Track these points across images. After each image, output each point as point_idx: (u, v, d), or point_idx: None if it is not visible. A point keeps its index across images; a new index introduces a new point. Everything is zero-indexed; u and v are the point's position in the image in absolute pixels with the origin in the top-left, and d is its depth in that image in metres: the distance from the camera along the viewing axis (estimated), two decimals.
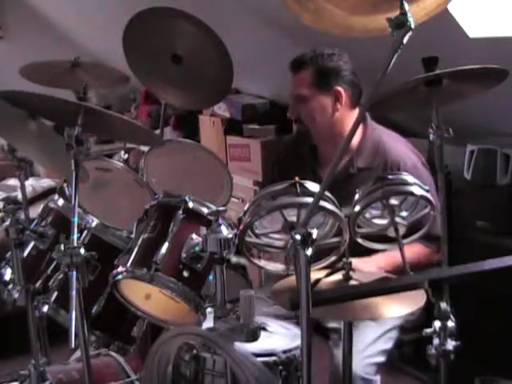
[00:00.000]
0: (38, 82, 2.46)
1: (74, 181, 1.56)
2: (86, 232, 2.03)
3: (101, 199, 2.18)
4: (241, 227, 1.56)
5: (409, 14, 1.25)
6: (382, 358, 2.05)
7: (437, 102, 1.49)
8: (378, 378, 2.03)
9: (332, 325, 2.09)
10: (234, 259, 1.70)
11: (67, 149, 1.58)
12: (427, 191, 1.61)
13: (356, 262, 1.87)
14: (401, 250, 1.60)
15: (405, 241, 1.62)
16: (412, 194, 1.59)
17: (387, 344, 2.09)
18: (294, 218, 1.51)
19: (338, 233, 1.58)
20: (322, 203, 1.48)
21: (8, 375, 2.06)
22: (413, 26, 1.25)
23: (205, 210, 1.81)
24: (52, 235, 1.97)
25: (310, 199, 1.47)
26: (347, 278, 1.62)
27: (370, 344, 2.04)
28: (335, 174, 1.39)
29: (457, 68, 1.44)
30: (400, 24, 1.25)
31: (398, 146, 2.21)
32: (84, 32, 4.82)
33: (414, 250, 2.01)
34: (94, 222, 2.06)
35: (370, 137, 2.21)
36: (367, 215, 1.64)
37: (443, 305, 1.41)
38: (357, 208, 1.59)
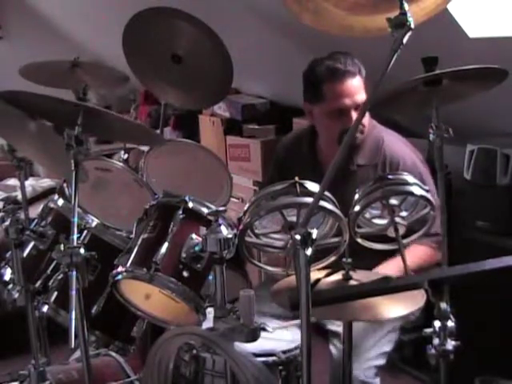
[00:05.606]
0: (38, 82, 2.46)
1: (73, 181, 1.56)
2: (85, 232, 2.03)
3: (101, 199, 2.18)
4: (241, 227, 1.56)
5: (409, 14, 1.25)
6: (382, 361, 2.05)
7: (437, 102, 1.49)
8: (377, 380, 2.02)
9: (332, 327, 2.09)
10: None
11: (67, 149, 1.58)
12: (427, 191, 1.61)
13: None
14: (401, 250, 1.60)
15: (404, 240, 1.62)
16: (412, 194, 1.59)
17: (387, 346, 2.09)
18: (294, 218, 1.51)
19: (338, 233, 1.59)
20: (322, 203, 1.48)
21: (8, 375, 2.05)
22: (413, 25, 1.25)
23: (205, 210, 1.80)
24: (52, 235, 1.97)
25: (309, 199, 1.46)
26: (347, 277, 1.62)
27: (370, 347, 2.03)
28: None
29: (457, 68, 1.44)
30: (400, 24, 1.25)
31: (397, 144, 2.21)
32: (84, 32, 4.82)
33: (421, 253, 2.02)
34: (94, 222, 2.06)
35: (370, 134, 2.21)
36: (367, 215, 1.64)
37: (443, 305, 1.41)
38: (357, 208, 1.58)
